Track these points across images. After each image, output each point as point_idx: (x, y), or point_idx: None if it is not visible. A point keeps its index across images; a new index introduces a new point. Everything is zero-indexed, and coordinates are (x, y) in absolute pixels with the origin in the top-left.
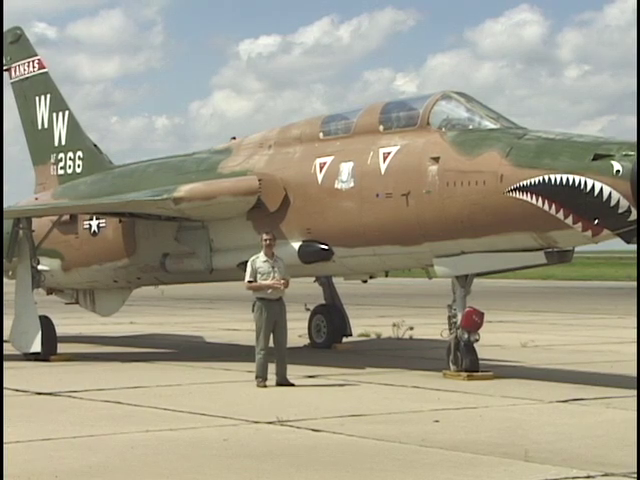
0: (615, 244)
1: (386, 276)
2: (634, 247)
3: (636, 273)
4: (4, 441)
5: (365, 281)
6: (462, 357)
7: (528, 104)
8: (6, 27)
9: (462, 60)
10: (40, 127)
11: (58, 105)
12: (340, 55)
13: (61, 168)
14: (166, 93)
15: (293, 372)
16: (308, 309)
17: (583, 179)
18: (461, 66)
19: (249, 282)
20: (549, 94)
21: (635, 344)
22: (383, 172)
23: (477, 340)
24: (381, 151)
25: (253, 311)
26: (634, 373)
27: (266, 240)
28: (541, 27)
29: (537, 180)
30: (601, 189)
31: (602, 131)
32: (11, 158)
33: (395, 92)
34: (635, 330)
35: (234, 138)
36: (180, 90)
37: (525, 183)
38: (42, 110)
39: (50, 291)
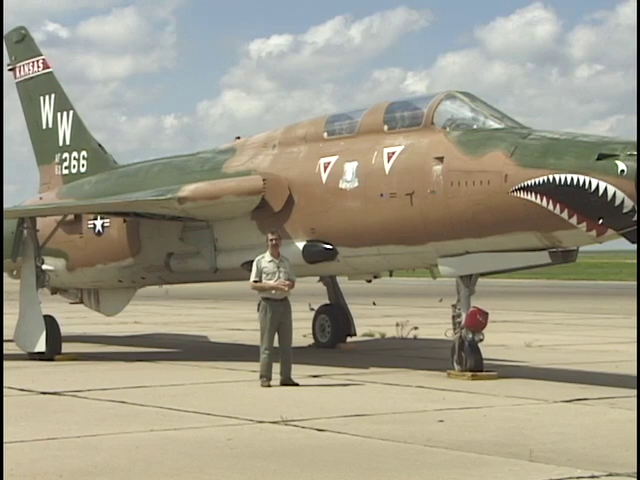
0: (619, 244)
1: (390, 276)
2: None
3: (636, 273)
4: (9, 440)
5: (369, 281)
6: (466, 357)
7: (538, 104)
8: (15, 26)
9: (472, 59)
10: (44, 127)
11: (63, 105)
12: (351, 55)
13: (65, 168)
14: (175, 93)
15: (297, 372)
16: (312, 309)
17: (588, 179)
18: (471, 65)
19: (254, 282)
20: (559, 94)
21: None
22: (387, 172)
23: (481, 340)
24: (385, 151)
25: (258, 311)
26: None
27: (272, 240)
28: (553, 26)
29: (541, 180)
30: (605, 189)
31: (610, 130)
32: (21, 158)
33: (405, 92)
34: None
35: (238, 138)
36: (189, 90)
37: (529, 183)
38: (46, 110)
39: (54, 291)
